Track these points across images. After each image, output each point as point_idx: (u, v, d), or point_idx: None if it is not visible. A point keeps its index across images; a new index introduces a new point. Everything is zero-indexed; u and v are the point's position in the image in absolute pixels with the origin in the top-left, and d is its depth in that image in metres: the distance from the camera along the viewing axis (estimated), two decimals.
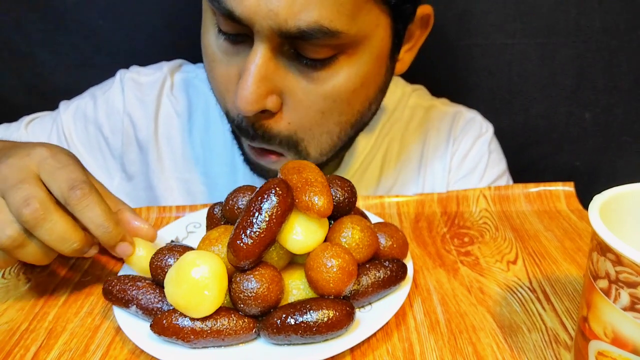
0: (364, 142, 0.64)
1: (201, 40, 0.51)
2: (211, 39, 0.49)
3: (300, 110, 0.48)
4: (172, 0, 0.75)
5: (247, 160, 0.56)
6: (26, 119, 0.65)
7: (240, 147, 0.56)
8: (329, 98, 0.47)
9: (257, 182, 0.62)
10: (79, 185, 0.38)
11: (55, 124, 0.64)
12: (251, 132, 0.49)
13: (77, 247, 0.38)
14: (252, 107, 0.45)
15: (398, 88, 0.69)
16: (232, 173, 0.63)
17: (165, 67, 0.66)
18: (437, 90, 0.73)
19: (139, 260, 0.41)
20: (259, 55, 0.44)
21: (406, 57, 0.56)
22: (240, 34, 0.46)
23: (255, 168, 0.55)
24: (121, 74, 0.65)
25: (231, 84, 0.48)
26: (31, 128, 0.64)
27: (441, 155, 0.66)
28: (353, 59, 0.47)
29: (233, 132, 0.55)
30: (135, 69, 0.66)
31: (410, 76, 0.70)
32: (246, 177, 0.63)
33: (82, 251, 0.39)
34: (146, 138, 0.63)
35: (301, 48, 0.45)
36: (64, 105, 0.65)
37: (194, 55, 0.69)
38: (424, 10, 0.53)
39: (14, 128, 0.64)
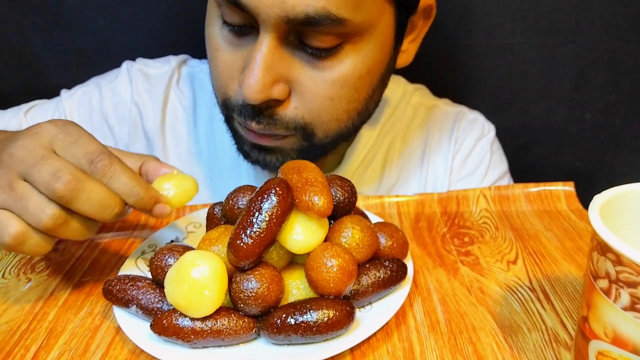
0: (365, 138, 0.64)
1: (205, 31, 0.51)
2: (215, 31, 0.49)
3: (308, 97, 0.48)
4: (172, 0, 0.75)
5: (245, 153, 0.55)
6: (25, 106, 0.64)
7: (236, 137, 0.55)
8: (337, 84, 0.48)
9: (261, 176, 0.62)
10: (98, 157, 0.36)
11: (57, 110, 0.64)
12: (257, 117, 0.49)
13: (118, 211, 0.37)
14: (259, 96, 0.45)
15: (400, 86, 0.69)
16: (236, 167, 0.63)
17: (173, 60, 0.66)
18: (437, 90, 0.72)
19: (170, 200, 0.40)
20: (265, 44, 0.44)
21: (410, 47, 0.56)
22: (245, 25, 0.46)
23: (254, 159, 0.54)
24: (128, 65, 0.65)
25: (235, 72, 0.48)
26: (31, 115, 0.63)
27: (443, 154, 0.66)
28: (358, 47, 0.47)
29: (228, 121, 0.54)
30: (142, 61, 0.66)
31: (410, 76, 0.70)
32: (249, 171, 0.63)
33: (123, 214, 0.38)
34: (153, 129, 0.64)
35: (306, 37, 0.45)
36: (65, 93, 0.65)
37: (194, 54, 0.69)
38: (427, 1, 0.53)
39: (11, 115, 0.63)
